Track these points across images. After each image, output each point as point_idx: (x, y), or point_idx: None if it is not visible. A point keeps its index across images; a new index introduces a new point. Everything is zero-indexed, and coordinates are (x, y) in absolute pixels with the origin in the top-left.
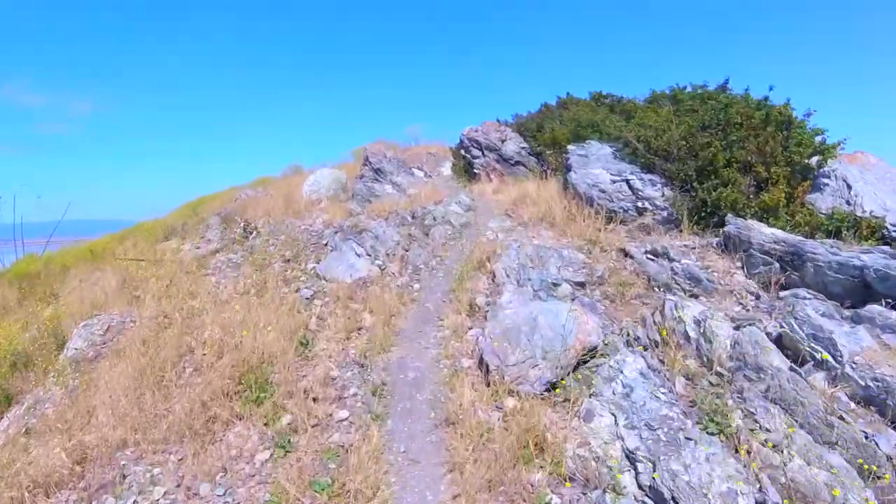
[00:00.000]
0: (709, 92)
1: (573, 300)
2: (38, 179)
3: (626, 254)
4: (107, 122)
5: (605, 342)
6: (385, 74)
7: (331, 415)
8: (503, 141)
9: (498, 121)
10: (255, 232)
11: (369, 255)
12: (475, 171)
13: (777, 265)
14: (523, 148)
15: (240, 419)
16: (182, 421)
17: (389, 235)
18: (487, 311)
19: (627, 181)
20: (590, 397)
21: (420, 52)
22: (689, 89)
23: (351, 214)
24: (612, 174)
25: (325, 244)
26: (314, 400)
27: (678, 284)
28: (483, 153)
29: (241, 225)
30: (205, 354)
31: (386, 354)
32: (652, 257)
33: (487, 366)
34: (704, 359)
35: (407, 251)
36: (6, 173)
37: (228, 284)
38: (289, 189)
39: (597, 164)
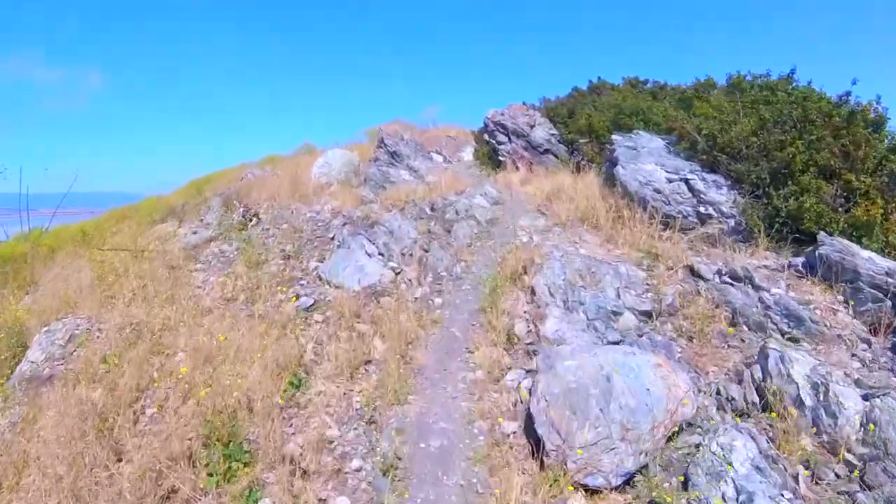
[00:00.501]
0: (773, 82)
1: (640, 336)
2: (49, 153)
3: (696, 273)
4: (121, 96)
5: (696, 408)
6: (404, 53)
7: (325, 502)
8: (532, 126)
9: (524, 104)
10: (254, 219)
11: (382, 255)
12: (500, 158)
13: (889, 303)
14: (553, 135)
15: (204, 494)
16: (130, 494)
17: (405, 231)
18: (530, 346)
19: (687, 181)
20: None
21: (439, 32)
22: (748, 78)
23: (363, 202)
24: (667, 171)
25: (332, 238)
26: (304, 475)
27: (774, 323)
28: (510, 139)
29: (241, 210)
30: (170, 389)
31: (401, 407)
32: (730, 281)
33: (542, 442)
34: (825, 437)
35: (426, 252)
36: (15, 147)
37: (216, 286)
38: (297, 170)
39: (648, 159)
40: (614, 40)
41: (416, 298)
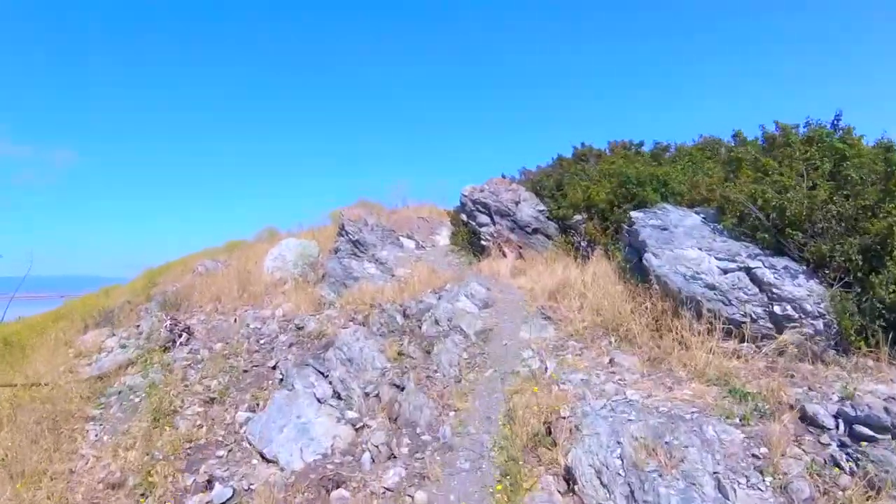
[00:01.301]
0: (817, 131)
1: None
2: (21, 234)
3: (812, 421)
4: (93, 174)
5: None
6: (369, 125)
7: None
8: (517, 203)
9: (505, 177)
10: (184, 334)
11: (337, 398)
12: (482, 242)
13: None
14: (541, 211)
15: None
16: None
17: (369, 357)
18: None
19: (749, 270)
20: None
21: (406, 103)
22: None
23: (321, 303)
24: (719, 258)
25: (274, 367)
26: None
27: None
28: (492, 219)
29: (167, 324)
30: None
31: None
32: (871, 433)
33: None
34: None
35: (399, 389)
36: None
37: (105, 453)
38: (250, 262)
39: (687, 242)
40: (587, 103)
41: (385, 490)
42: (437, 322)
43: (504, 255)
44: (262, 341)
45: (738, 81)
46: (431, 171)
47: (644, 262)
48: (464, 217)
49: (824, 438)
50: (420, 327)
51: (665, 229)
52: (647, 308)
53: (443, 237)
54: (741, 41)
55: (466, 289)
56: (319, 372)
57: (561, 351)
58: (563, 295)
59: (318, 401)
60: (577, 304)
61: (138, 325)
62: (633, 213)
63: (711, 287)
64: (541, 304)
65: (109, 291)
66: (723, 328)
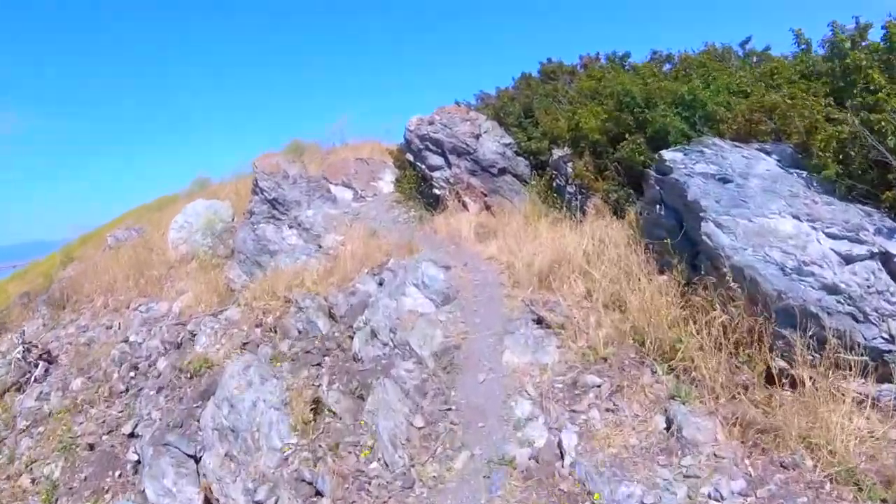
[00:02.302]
0: None
1: None
2: None
3: None
4: (35, 137)
5: None
6: (310, 58)
7: None
8: (477, 136)
9: (458, 103)
10: (40, 364)
11: None
12: (436, 190)
13: None
14: (507, 145)
15: None
16: None
17: (266, 422)
18: None
19: (886, 256)
20: None
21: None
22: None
23: (228, 293)
24: (830, 233)
25: (132, 435)
26: None
27: None
28: (447, 160)
29: (20, 349)
30: None
31: None
32: None
33: None
34: None
35: (314, 494)
36: None
37: None
38: (157, 231)
39: (772, 203)
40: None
41: None
42: (374, 334)
43: (465, 206)
44: (135, 371)
45: None
46: (381, 109)
47: (703, 237)
48: (410, 157)
49: None
50: (351, 339)
51: (728, 181)
52: (715, 319)
53: (386, 183)
54: None
55: (417, 273)
56: (188, 455)
57: (578, 401)
58: (560, 278)
59: None
60: (581, 289)
61: (24, 331)
62: (667, 154)
63: (832, 289)
64: (528, 294)
65: (28, 272)
66: (860, 359)
